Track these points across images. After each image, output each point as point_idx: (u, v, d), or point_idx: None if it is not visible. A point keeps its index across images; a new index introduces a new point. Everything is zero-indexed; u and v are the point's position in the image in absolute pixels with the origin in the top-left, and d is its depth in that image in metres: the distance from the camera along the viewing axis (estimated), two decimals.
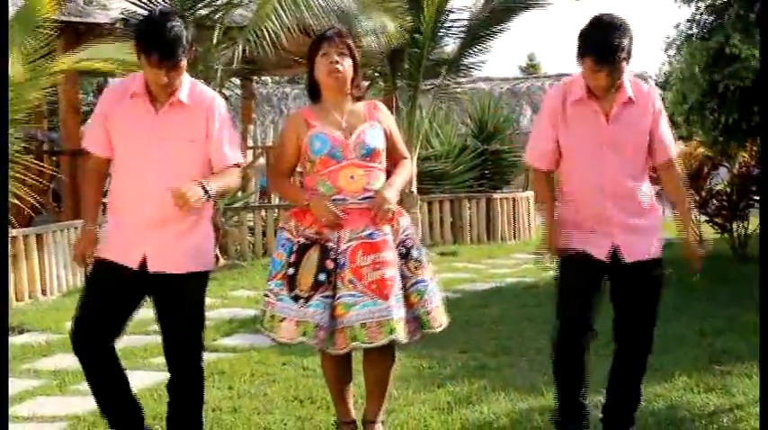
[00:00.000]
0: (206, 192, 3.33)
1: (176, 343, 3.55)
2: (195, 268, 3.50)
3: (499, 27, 10.83)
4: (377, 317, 3.48)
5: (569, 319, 3.68)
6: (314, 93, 3.74)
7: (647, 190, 3.69)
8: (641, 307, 3.68)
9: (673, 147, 3.70)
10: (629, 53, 3.47)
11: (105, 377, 3.60)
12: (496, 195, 12.70)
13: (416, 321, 3.62)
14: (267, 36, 8.94)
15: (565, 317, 3.70)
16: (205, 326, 3.64)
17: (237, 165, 3.56)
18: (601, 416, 3.83)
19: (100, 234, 3.52)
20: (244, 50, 9.14)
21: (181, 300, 3.51)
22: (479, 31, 10.69)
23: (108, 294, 3.48)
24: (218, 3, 9.22)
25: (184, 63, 3.39)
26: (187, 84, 3.47)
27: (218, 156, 3.49)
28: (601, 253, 3.61)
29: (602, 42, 3.41)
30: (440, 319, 3.67)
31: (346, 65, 3.64)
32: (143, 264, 3.44)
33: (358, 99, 3.75)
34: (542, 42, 74.87)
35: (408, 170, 3.85)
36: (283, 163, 3.77)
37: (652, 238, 3.70)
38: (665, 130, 3.67)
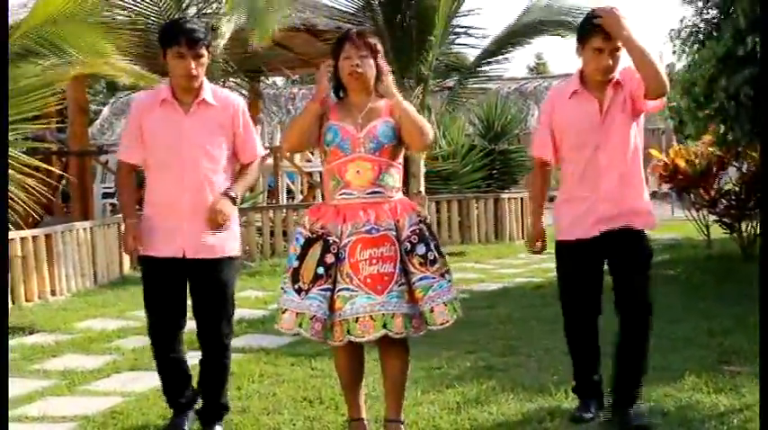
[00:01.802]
0: (233, 200, 3.86)
1: (208, 322, 3.95)
2: (226, 254, 3.93)
3: (524, 43, 10.82)
4: (370, 311, 3.53)
5: (573, 304, 4.07)
6: (338, 91, 3.80)
7: (637, 171, 3.95)
8: (632, 271, 3.92)
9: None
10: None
11: (174, 365, 4.03)
12: (504, 195, 12.69)
13: (421, 317, 3.65)
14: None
15: (568, 303, 4.08)
16: (235, 307, 4.05)
17: (256, 160, 4.04)
18: (609, 390, 4.09)
19: (143, 228, 3.91)
20: (248, 50, 9.15)
21: (213, 283, 3.92)
22: (501, 43, 10.67)
23: (166, 289, 3.91)
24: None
25: (207, 58, 3.83)
26: (209, 86, 3.93)
27: (248, 150, 3.99)
28: (590, 231, 3.91)
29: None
30: (445, 316, 3.65)
31: (367, 67, 3.67)
32: (183, 254, 3.85)
33: (383, 96, 3.76)
34: (550, 42, 74.72)
35: (418, 116, 3.77)
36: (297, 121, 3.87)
37: (642, 210, 3.96)
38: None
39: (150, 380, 4.80)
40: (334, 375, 4.27)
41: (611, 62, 3.76)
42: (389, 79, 3.70)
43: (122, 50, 7.00)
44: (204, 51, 3.82)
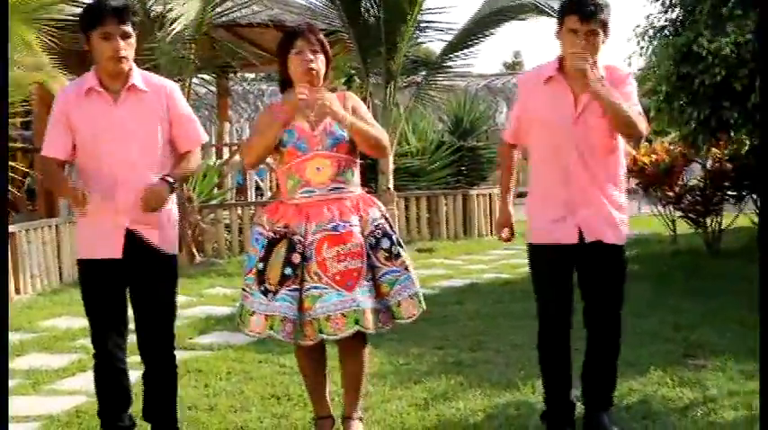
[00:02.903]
0: (170, 185, 3.53)
1: (151, 330, 3.69)
2: (167, 250, 3.65)
3: (488, 33, 10.78)
4: (341, 308, 3.51)
5: (550, 319, 3.77)
6: (286, 87, 3.74)
7: (616, 171, 3.71)
8: (606, 289, 3.73)
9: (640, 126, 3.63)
10: (605, 25, 3.55)
11: (113, 371, 3.71)
12: (473, 191, 12.73)
13: (388, 311, 3.65)
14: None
15: (545, 317, 3.78)
16: (176, 316, 3.77)
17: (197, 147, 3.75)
18: (578, 397, 3.87)
19: (77, 231, 3.66)
20: (215, 46, 9.09)
21: (153, 285, 3.65)
22: (466, 36, 10.64)
23: (106, 293, 3.62)
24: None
25: (134, 39, 3.53)
26: (138, 71, 3.61)
27: (186, 137, 3.68)
28: (569, 236, 3.65)
29: (584, 1, 3.52)
30: (411, 310, 3.67)
31: (320, 62, 3.65)
32: (124, 251, 3.55)
33: (329, 90, 3.74)
34: (527, 40, 75.22)
35: (371, 128, 3.69)
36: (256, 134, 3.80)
37: (616, 223, 3.68)
38: (633, 107, 3.62)
39: None
40: None
41: (588, 46, 3.50)
42: (336, 105, 3.59)
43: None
44: (132, 31, 3.51)
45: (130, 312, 3.71)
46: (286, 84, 3.73)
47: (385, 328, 3.68)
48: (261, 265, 3.60)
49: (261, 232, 3.66)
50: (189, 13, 8.80)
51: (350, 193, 3.68)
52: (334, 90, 3.83)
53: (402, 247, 3.72)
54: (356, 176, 3.75)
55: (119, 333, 3.69)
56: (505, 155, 4.00)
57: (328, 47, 3.72)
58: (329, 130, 3.65)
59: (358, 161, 3.78)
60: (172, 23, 8.69)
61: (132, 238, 3.56)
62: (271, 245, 3.60)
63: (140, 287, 3.65)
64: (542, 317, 3.79)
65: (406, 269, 3.69)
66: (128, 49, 3.50)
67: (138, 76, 3.59)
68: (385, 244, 3.65)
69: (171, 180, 3.54)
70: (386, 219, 3.74)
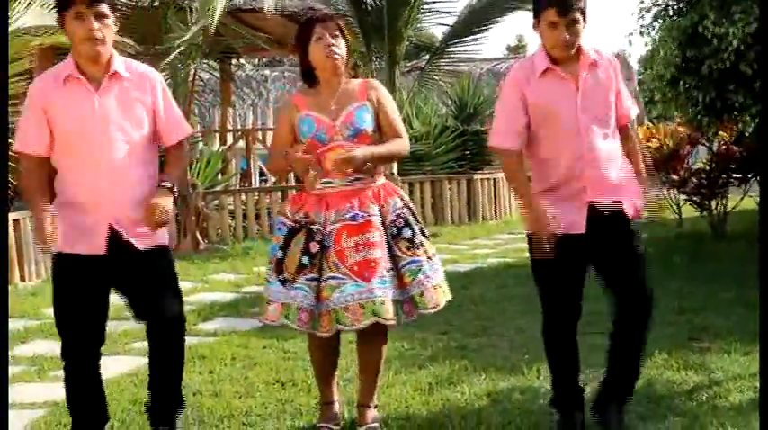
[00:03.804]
0: (170, 190, 3.35)
1: (155, 300, 3.39)
2: (158, 243, 3.40)
3: (493, 20, 10.73)
4: (358, 299, 3.47)
5: (556, 307, 3.63)
6: (308, 76, 3.70)
7: (619, 151, 3.62)
8: (632, 267, 3.55)
9: (632, 111, 3.67)
10: (584, 12, 3.48)
11: (87, 386, 3.52)
12: (477, 176, 12.72)
13: (411, 301, 3.61)
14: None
15: (550, 306, 3.63)
16: (183, 301, 3.52)
17: (183, 139, 3.57)
18: (598, 388, 3.76)
19: (56, 221, 3.30)
20: (219, 32, 9.08)
21: (150, 271, 3.38)
22: (471, 21, 10.59)
23: (82, 294, 3.35)
24: None
25: (112, 21, 3.29)
26: (120, 58, 3.39)
27: (172, 129, 3.48)
28: (579, 224, 3.50)
29: None
30: (436, 300, 3.62)
31: (341, 47, 3.61)
32: (108, 247, 3.32)
33: (352, 77, 3.73)
34: (529, 24, 74.75)
35: (391, 147, 3.65)
36: (278, 146, 3.75)
37: (629, 197, 3.57)
38: (624, 92, 3.65)
39: (120, 366, 4.78)
40: (306, 357, 4.27)
41: (567, 36, 3.45)
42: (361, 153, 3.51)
43: None
44: (108, 11, 3.25)
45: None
46: (309, 73, 3.68)
47: (409, 319, 3.64)
48: (280, 254, 3.58)
49: (283, 221, 3.65)
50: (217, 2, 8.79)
51: (371, 183, 3.64)
52: (355, 76, 3.79)
53: (426, 236, 3.68)
54: (379, 167, 3.69)
55: (95, 340, 3.42)
56: (514, 167, 3.60)
57: (346, 32, 3.67)
58: (350, 121, 3.60)
59: None
60: (193, 11, 8.67)
61: (117, 235, 3.32)
62: (291, 233, 3.59)
63: (130, 284, 3.40)
64: (546, 309, 3.65)
65: (430, 259, 3.64)
66: (104, 30, 3.24)
67: (120, 63, 3.36)
68: (406, 233, 3.60)
69: (169, 185, 3.36)
70: (409, 208, 3.68)
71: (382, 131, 3.67)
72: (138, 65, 3.48)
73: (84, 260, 3.32)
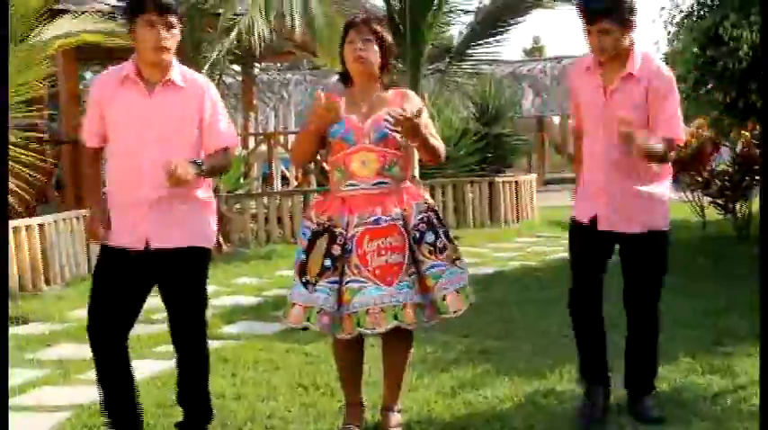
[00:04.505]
0: (198, 166, 3.42)
1: (181, 322, 3.61)
2: (196, 243, 3.55)
3: (512, 21, 10.71)
4: (380, 303, 3.48)
5: (581, 277, 3.86)
6: (345, 79, 3.76)
7: (644, 164, 3.66)
8: (641, 276, 3.83)
9: (675, 132, 3.65)
10: (623, 20, 3.55)
11: (116, 374, 3.64)
12: (499, 178, 12.67)
13: (433, 305, 3.61)
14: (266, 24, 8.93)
15: (577, 275, 3.87)
16: (208, 306, 3.67)
17: (227, 148, 3.63)
18: (622, 385, 3.98)
19: (107, 215, 3.55)
20: (240, 38, 9.12)
21: (183, 278, 3.57)
22: (490, 24, 10.58)
23: (118, 283, 3.54)
24: None
25: (178, 30, 3.46)
26: (177, 66, 3.53)
27: (213, 137, 3.56)
28: (601, 220, 3.77)
29: (589, 2, 3.60)
30: (457, 304, 3.62)
31: (371, 51, 3.63)
32: (147, 244, 3.49)
33: (389, 86, 3.74)
34: (547, 25, 74.49)
35: (437, 142, 3.67)
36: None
37: (649, 210, 3.75)
38: (667, 113, 3.62)
39: (144, 369, 4.80)
40: (329, 361, 4.28)
41: (598, 42, 3.58)
42: (422, 120, 3.51)
43: None
44: (176, 21, 3.43)
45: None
46: (345, 76, 3.74)
47: (430, 323, 3.66)
48: (303, 257, 3.61)
49: (308, 225, 3.67)
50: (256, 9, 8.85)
51: (395, 187, 3.63)
52: (394, 85, 3.80)
53: (450, 240, 3.67)
54: (403, 170, 3.68)
55: (125, 315, 3.57)
56: (576, 147, 4.06)
57: (387, 37, 3.68)
58: (377, 125, 3.60)
59: (408, 154, 3.72)
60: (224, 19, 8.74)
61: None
62: (314, 237, 3.61)
63: (168, 281, 3.57)
64: (574, 286, 3.88)
65: (453, 263, 3.64)
66: (170, 39, 3.42)
67: (177, 71, 3.51)
68: (429, 238, 3.60)
69: (199, 161, 3.45)
70: (434, 211, 3.68)
71: None
72: (193, 73, 3.62)
73: (126, 254, 3.50)
